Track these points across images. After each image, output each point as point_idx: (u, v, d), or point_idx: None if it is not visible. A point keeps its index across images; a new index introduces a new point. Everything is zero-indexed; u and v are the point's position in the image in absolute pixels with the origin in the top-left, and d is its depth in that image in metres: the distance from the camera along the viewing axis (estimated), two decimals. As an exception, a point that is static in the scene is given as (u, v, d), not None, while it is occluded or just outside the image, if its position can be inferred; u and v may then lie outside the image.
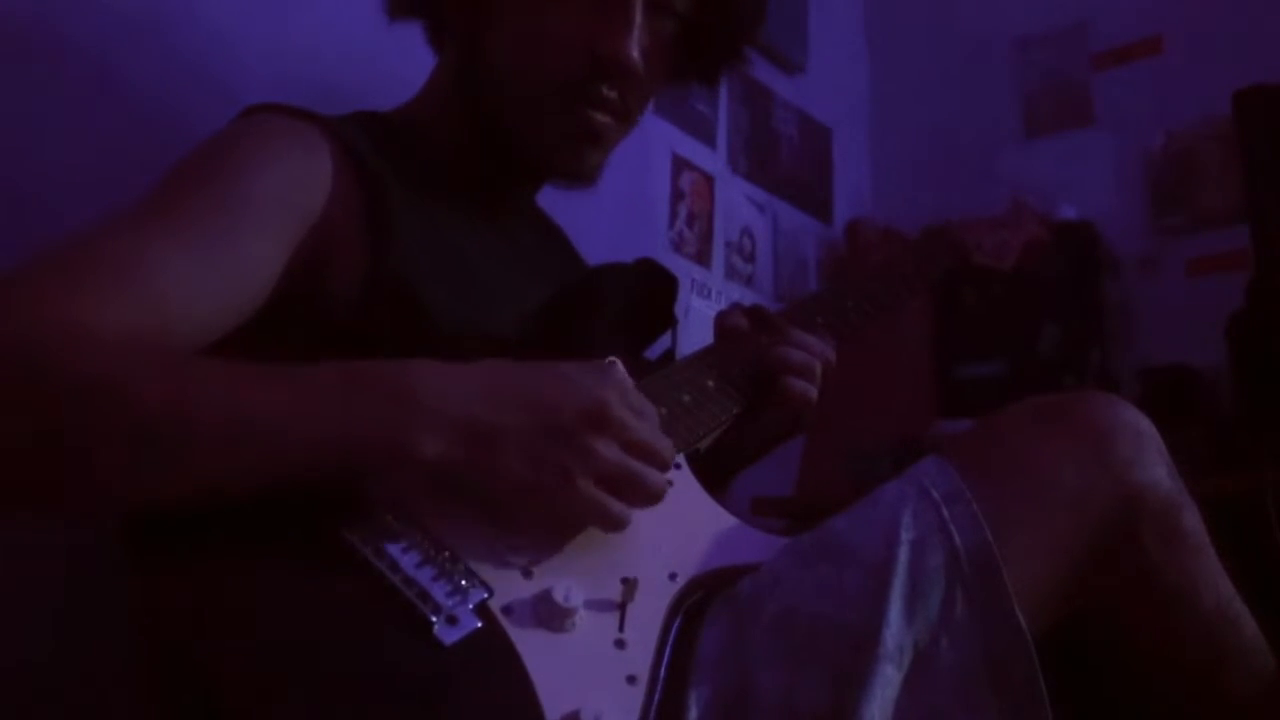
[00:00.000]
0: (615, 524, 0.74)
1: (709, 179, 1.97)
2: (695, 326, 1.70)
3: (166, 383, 0.68)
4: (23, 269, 0.71)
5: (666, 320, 1.04)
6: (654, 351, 1.04)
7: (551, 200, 1.18)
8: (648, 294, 1.03)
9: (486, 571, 0.70)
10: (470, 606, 0.67)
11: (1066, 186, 2.00)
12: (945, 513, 0.78)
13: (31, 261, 0.72)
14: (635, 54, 0.95)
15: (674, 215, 1.89)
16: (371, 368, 0.72)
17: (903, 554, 0.75)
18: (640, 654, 0.71)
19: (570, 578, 0.71)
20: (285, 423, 0.68)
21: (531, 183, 1.09)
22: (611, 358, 0.90)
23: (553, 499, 0.72)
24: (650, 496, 0.75)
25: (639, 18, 0.96)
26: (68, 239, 0.75)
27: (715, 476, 0.94)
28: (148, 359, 0.70)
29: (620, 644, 0.71)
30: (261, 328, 0.83)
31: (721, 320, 1.05)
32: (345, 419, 0.69)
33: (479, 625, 0.66)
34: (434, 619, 0.65)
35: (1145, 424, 0.85)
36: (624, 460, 0.74)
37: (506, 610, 0.69)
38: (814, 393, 1.00)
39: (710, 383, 0.96)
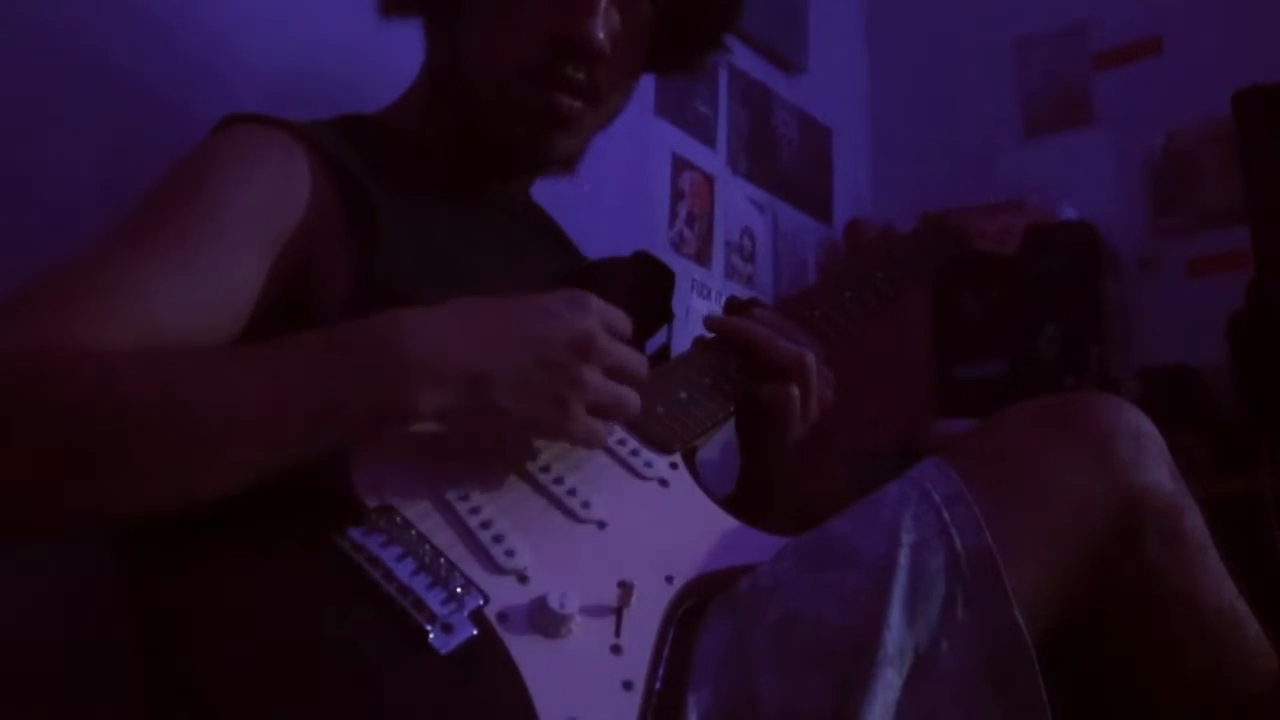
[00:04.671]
0: (600, 443, 0.79)
1: (709, 179, 1.96)
2: (695, 326, 1.69)
3: (157, 379, 0.68)
4: (19, 297, 0.72)
5: (664, 314, 1.03)
6: (649, 348, 1.04)
7: (551, 200, 1.17)
8: (645, 287, 1.02)
9: (481, 577, 0.69)
10: (465, 614, 0.66)
11: (1066, 186, 1.99)
12: (946, 515, 0.77)
13: (27, 289, 0.72)
14: (599, 33, 0.94)
15: (674, 215, 1.88)
16: (353, 330, 0.73)
17: (903, 556, 0.75)
18: (637, 659, 0.70)
19: (566, 582, 0.70)
20: (281, 398, 0.68)
21: (519, 175, 1.08)
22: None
23: (554, 431, 0.76)
24: (629, 415, 0.80)
25: None
26: (63, 266, 0.75)
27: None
28: (135, 361, 0.70)
29: (617, 649, 0.70)
30: (253, 335, 0.82)
31: (711, 322, 1.03)
32: (339, 386, 0.70)
33: (474, 633, 0.66)
34: (429, 628, 0.64)
35: (1147, 425, 0.84)
36: (609, 385, 0.78)
37: (502, 617, 0.68)
38: (795, 398, 0.97)
39: (707, 380, 0.96)
